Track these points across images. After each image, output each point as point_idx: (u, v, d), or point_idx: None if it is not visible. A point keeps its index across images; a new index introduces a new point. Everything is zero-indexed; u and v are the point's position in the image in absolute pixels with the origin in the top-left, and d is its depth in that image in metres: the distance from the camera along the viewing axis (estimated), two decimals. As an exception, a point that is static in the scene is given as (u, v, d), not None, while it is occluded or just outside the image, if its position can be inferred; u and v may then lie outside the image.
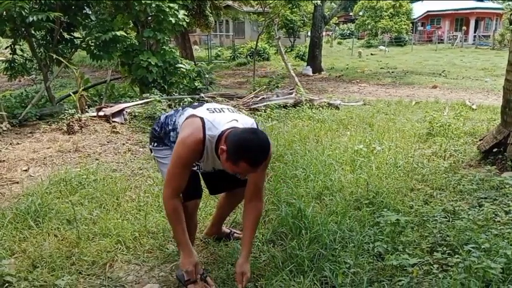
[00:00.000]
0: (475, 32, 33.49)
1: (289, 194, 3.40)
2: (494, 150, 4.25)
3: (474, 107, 7.84)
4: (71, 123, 5.79)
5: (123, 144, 5.44)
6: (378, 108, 7.70)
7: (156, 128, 2.41)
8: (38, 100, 6.79)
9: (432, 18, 36.65)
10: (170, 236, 2.81)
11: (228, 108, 2.28)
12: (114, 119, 6.32)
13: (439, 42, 31.16)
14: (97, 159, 4.79)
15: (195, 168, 2.26)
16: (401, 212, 3.09)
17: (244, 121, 2.17)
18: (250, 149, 1.89)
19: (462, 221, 2.87)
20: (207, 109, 2.21)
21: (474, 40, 32.01)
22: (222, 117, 2.12)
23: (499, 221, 2.92)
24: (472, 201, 3.38)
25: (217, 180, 2.48)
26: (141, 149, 5.21)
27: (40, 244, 2.77)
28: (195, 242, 2.83)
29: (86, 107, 6.85)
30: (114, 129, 5.93)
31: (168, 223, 2.32)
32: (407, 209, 3.22)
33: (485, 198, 3.38)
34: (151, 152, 2.46)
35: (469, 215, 2.98)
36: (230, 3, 22.96)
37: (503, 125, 4.27)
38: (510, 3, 21.67)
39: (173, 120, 2.33)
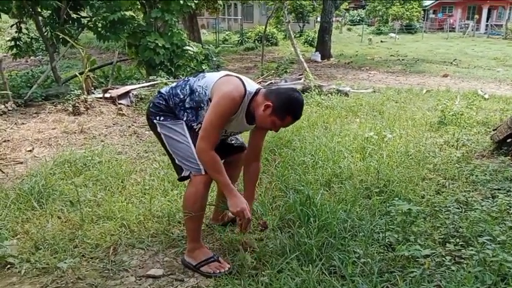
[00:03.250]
0: (487, 21, 32.80)
1: (297, 180, 3.32)
2: (508, 140, 4.13)
3: (486, 96, 7.67)
4: (76, 105, 5.73)
5: (129, 126, 5.37)
6: (388, 95, 7.55)
7: (160, 102, 2.29)
8: (43, 80, 6.73)
9: (444, 5, 36.00)
10: (175, 220, 2.75)
11: None
12: (120, 101, 6.25)
13: (450, 31, 30.62)
14: (102, 141, 4.74)
15: None
16: (412, 201, 3.00)
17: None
18: (296, 104, 2.18)
19: (475, 212, 2.79)
20: (228, 74, 2.29)
21: (486, 29, 31.38)
22: (249, 80, 2.30)
23: (514, 213, 2.83)
24: (485, 192, 3.29)
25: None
26: (146, 132, 5.15)
27: (43, 226, 2.73)
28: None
29: (92, 88, 6.78)
30: (120, 112, 5.86)
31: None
32: (419, 198, 3.14)
33: (499, 189, 3.29)
34: (156, 127, 2.28)
35: (482, 206, 2.90)
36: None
37: (519, 115, 4.15)
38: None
39: (186, 87, 2.27)
